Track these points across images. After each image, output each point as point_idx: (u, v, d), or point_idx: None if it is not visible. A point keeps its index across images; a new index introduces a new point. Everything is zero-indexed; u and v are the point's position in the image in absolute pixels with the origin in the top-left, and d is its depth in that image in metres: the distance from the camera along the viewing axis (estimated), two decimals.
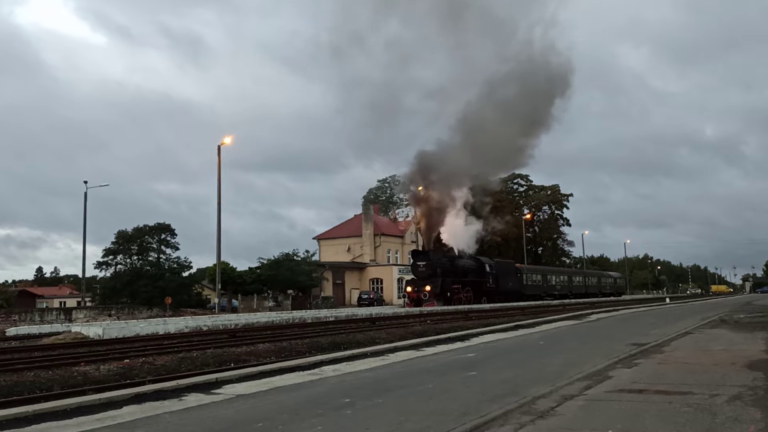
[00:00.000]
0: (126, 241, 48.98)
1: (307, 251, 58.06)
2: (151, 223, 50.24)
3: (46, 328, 23.74)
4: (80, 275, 55.37)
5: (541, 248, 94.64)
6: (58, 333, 20.82)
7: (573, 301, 53.92)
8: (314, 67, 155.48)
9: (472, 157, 46.27)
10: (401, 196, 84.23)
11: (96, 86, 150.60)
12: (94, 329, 19.73)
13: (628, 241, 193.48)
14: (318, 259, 64.41)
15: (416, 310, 35.55)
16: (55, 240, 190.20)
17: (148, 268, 48.52)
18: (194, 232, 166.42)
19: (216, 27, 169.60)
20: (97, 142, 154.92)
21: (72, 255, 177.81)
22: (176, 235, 50.31)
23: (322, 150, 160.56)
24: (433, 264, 41.98)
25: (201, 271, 56.60)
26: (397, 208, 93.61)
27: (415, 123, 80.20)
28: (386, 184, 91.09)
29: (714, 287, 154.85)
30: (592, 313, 31.01)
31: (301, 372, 10.67)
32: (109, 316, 36.05)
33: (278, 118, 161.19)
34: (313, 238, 77.05)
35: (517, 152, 50.24)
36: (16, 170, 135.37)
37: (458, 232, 48.90)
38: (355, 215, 77.54)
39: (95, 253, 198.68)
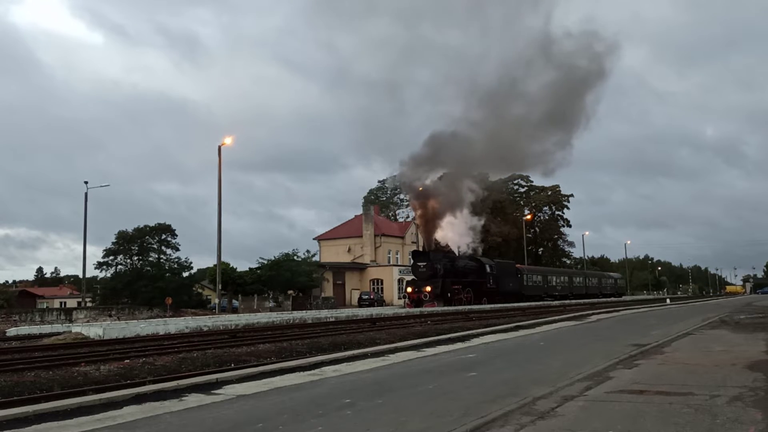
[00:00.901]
0: (126, 242, 49.03)
1: (308, 251, 58.17)
2: (150, 224, 50.42)
3: (46, 329, 23.74)
4: (81, 275, 55.47)
5: (541, 249, 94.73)
6: (59, 333, 20.83)
7: (573, 301, 53.88)
8: (312, 66, 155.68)
9: (487, 149, 44.27)
10: (402, 196, 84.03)
11: (92, 85, 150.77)
12: (95, 329, 19.73)
13: (629, 242, 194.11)
14: (318, 259, 64.46)
15: (416, 310, 35.54)
16: (54, 240, 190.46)
17: (149, 268, 48.54)
18: (194, 233, 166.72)
19: (213, 26, 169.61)
20: (95, 141, 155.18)
21: (71, 255, 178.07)
22: (176, 235, 50.48)
23: (321, 150, 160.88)
24: (434, 264, 41.96)
25: (201, 272, 56.70)
26: (398, 209, 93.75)
27: (416, 121, 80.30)
28: (386, 185, 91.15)
29: (729, 288, 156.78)
30: (593, 314, 30.99)
31: (301, 372, 10.67)
32: (110, 316, 36.06)
33: (276, 117, 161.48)
34: (314, 239, 77.16)
35: (540, 151, 47.49)
36: (13, 170, 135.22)
37: (459, 232, 48.84)
38: (355, 216, 77.57)
39: (94, 253, 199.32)
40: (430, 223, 45.23)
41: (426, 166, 44.24)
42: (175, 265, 49.50)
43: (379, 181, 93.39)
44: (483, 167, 47.47)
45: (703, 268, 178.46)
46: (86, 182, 45.43)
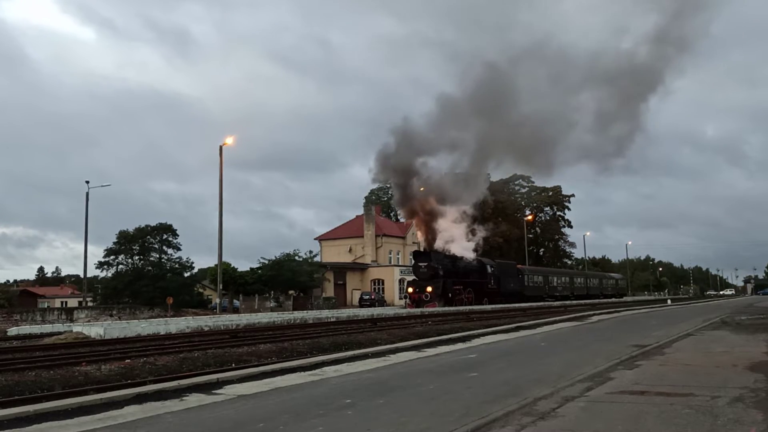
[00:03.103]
0: (127, 241, 49.13)
1: (310, 251, 58.18)
2: (148, 222, 50.70)
3: (47, 328, 23.77)
4: (81, 275, 55.49)
5: (542, 249, 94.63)
6: (60, 333, 20.85)
7: (574, 302, 53.88)
8: (308, 62, 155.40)
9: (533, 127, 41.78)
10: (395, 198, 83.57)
11: (84, 80, 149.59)
12: (96, 329, 19.75)
13: (630, 243, 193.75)
14: (319, 259, 64.45)
15: (417, 310, 35.55)
16: (53, 239, 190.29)
17: (150, 268, 48.62)
18: (192, 232, 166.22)
19: (205, 22, 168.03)
20: (90, 138, 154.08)
21: (70, 254, 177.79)
22: (177, 235, 50.61)
23: (318, 148, 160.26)
24: (435, 265, 41.96)
25: (202, 272, 56.73)
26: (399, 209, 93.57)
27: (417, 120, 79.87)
28: (387, 185, 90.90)
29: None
30: (594, 315, 30.99)
31: (302, 372, 10.67)
32: (111, 316, 36.06)
33: (272, 115, 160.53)
34: (315, 239, 77.12)
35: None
36: (8, 168, 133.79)
37: (460, 232, 48.77)
38: (356, 216, 77.53)
39: (94, 252, 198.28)
40: (431, 224, 45.20)
41: (455, 120, 41.83)
42: (177, 265, 49.58)
43: (380, 182, 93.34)
44: (519, 146, 44.75)
45: (704, 268, 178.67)
46: (87, 182, 45.36)
